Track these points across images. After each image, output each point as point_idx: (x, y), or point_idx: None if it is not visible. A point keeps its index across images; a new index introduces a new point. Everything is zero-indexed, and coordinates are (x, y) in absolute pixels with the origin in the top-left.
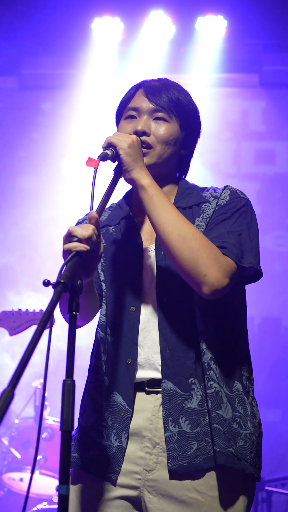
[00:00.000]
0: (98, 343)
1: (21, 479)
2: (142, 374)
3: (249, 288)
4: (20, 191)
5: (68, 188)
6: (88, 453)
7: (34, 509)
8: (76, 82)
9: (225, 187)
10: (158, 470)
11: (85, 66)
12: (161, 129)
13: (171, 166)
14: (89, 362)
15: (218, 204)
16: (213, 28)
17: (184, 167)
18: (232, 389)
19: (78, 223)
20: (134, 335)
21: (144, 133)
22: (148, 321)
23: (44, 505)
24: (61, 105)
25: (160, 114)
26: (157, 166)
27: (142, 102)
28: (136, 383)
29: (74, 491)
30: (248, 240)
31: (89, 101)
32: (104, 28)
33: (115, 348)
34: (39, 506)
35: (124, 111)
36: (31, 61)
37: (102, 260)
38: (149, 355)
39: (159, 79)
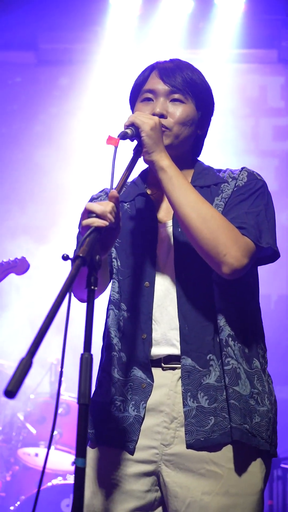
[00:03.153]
0: (111, 320)
1: (36, 454)
2: (159, 350)
3: (266, 266)
4: (37, 166)
5: (85, 162)
6: (105, 426)
7: (49, 484)
8: (94, 57)
9: (242, 168)
10: (175, 445)
11: (102, 41)
12: (178, 111)
13: (187, 147)
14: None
15: (236, 185)
16: (232, 3)
17: (198, 147)
18: (251, 366)
19: (92, 199)
20: (149, 311)
21: (162, 116)
22: (165, 297)
23: (59, 480)
24: (78, 80)
25: (176, 96)
26: (174, 147)
27: (158, 84)
28: (152, 360)
29: (90, 466)
30: (265, 221)
31: (106, 76)
32: (123, 2)
33: (131, 324)
34: (54, 481)
35: (139, 94)
36: (49, 36)
37: None
38: (165, 331)
39: (171, 60)
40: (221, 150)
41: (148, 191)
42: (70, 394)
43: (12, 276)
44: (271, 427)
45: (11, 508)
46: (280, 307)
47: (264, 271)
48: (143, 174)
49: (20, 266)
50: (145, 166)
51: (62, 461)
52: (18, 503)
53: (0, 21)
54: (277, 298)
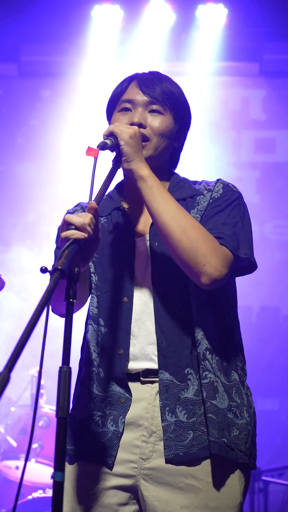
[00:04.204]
0: (90, 335)
1: (17, 467)
2: (137, 365)
3: (248, 277)
4: (18, 179)
5: (67, 175)
6: (83, 442)
7: (30, 497)
8: (76, 69)
9: (218, 180)
10: (154, 459)
11: (84, 53)
12: (157, 122)
13: (165, 159)
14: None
15: (212, 196)
16: (213, 16)
17: (175, 160)
18: (230, 379)
19: (68, 213)
20: (127, 326)
21: (140, 125)
22: (143, 311)
23: (39, 493)
24: (60, 92)
25: (155, 107)
26: (153, 158)
27: (136, 94)
28: (131, 374)
29: (69, 481)
30: (242, 232)
31: (88, 89)
32: (104, 15)
33: (109, 339)
34: (35, 495)
35: (117, 104)
36: (31, 48)
37: None
38: (144, 345)
39: (150, 72)
40: (203, 162)
41: (124, 205)
42: (50, 407)
43: None
44: (250, 440)
45: None
46: (262, 318)
47: (245, 283)
48: (119, 186)
49: None
50: (121, 178)
51: (43, 474)
52: None
53: None
54: (258, 309)
